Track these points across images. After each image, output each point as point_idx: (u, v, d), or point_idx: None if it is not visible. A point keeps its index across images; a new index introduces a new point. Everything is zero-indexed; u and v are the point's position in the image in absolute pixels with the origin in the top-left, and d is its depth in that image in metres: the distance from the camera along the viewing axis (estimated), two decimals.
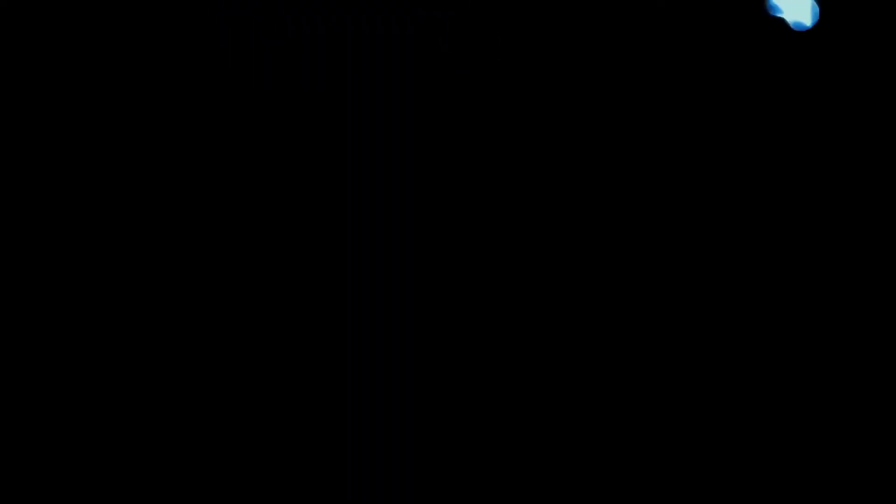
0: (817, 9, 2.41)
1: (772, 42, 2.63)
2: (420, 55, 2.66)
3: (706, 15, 2.65)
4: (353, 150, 2.70)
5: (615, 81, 2.68)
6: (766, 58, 2.66)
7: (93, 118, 2.67)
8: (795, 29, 2.40)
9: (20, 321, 2.62)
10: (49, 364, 2.62)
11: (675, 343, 2.66)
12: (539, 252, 2.70)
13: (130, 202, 2.67)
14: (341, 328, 2.68)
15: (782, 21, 2.22)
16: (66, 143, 2.67)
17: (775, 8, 2.37)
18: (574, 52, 2.67)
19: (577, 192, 2.70)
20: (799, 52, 2.64)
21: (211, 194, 2.69)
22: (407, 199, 2.70)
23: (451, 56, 2.67)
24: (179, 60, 2.66)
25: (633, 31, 2.66)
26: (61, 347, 2.62)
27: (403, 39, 2.66)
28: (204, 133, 2.68)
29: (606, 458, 2.63)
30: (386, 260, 2.69)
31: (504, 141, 2.70)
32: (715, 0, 2.64)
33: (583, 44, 2.66)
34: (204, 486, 2.60)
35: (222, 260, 2.68)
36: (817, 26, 2.51)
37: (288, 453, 2.63)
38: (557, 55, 2.67)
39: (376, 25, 2.65)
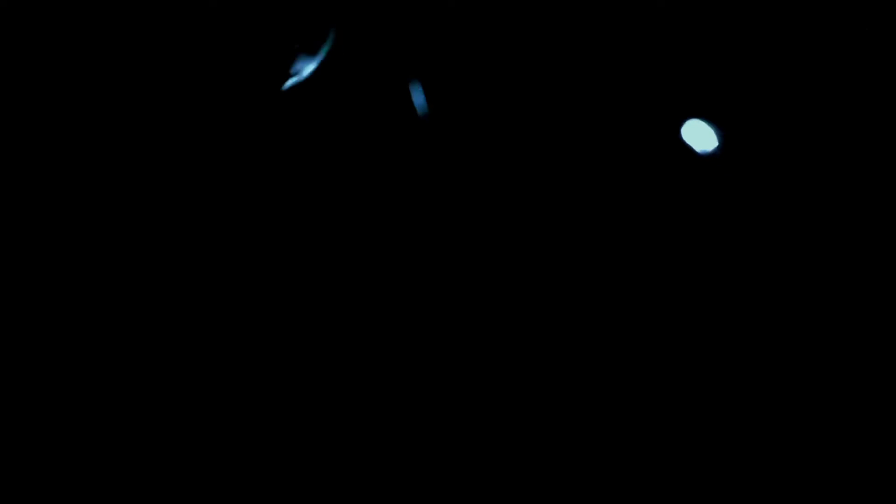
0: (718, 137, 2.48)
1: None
2: (420, 55, 2.68)
3: (705, 15, 2.67)
4: (353, 149, 2.71)
5: (614, 81, 2.69)
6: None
7: (93, 117, 2.68)
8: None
9: (20, 320, 2.62)
10: (49, 363, 2.62)
11: (672, 343, 2.67)
12: (538, 250, 2.71)
13: (130, 201, 2.68)
14: (342, 327, 2.68)
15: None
16: (66, 141, 2.68)
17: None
18: (573, 52, 2.69)
19: (577, 190, 2.71)
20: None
21: (210, 193, 2.70)
22: (407, 198, 2.71)
23: (451, 56, 2.69)
24: (179, 60, 2.68)
25: (632, 31, 2.67)
26: (62, 347, 2.62)
27: (403, 39, 2.68)
28: (204, 132, 2.70)
29: (605, 458, 2.63)
30: (386, 257, 2.70)
31: (503, 140, 2.72)
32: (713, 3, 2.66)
33: (582, 44, 2.68)
34: (204, 486, 2.59)
35: (222, 258, 2.69)
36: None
37: (288, 453, 2.63)
38: (557, 55, 2.69)
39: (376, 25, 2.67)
